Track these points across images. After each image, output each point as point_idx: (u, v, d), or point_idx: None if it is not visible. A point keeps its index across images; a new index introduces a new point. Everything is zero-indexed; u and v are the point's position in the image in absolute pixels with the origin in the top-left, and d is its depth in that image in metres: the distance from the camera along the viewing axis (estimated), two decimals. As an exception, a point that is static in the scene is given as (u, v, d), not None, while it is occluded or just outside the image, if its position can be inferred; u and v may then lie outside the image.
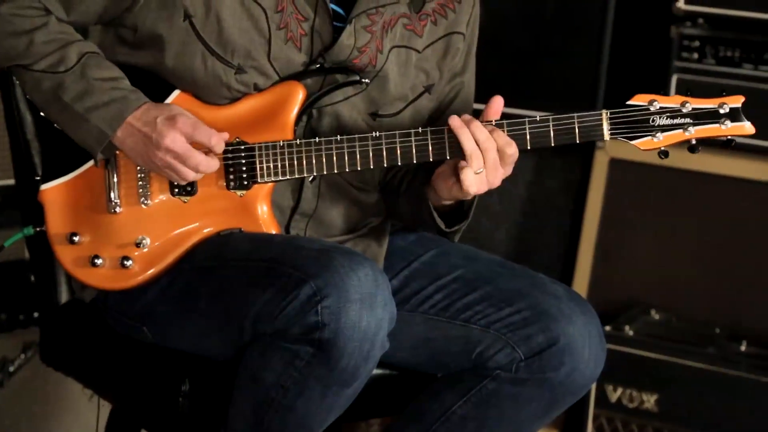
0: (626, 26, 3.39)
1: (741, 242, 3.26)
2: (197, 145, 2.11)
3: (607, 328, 3.21)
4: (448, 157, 2.14)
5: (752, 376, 3.10)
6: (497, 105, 2.14)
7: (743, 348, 3.19)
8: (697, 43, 3.29)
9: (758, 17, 3.23)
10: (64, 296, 2.39)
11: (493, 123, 2.12)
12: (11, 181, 2.45)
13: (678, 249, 3.31)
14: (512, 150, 2.11)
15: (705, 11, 3.28)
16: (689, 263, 3.30)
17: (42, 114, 2.21)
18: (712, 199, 3.29)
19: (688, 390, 3.14)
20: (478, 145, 2.10)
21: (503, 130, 2.12)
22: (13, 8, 2.14)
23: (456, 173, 2.12)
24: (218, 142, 2.12)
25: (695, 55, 3.29)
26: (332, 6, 2.18)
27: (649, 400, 3.19)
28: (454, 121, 2.11)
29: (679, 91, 2.16)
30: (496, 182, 2.13)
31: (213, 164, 2.12)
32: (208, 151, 2.12)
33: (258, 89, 2.18)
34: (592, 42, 3.35)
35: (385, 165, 2.15)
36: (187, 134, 2.10)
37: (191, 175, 2.12)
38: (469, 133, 2.10)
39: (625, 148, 3.34)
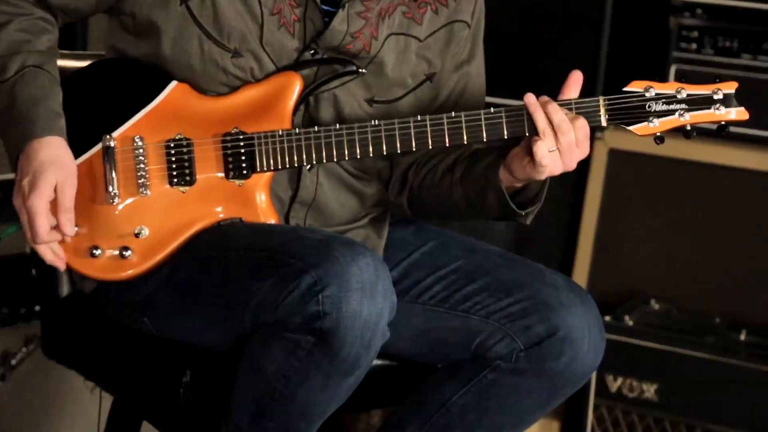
0: (625, 17, 3.39)
1: (740, 232, 3.27)
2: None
3: (607, 318, 3.21)
4: (447, 144, 2.14)
5: (752, 365, 3.11)
6: (576, 77, 2.12)
7: (743, 337, 3.19)
8: (695, 34, 3.29)
9: (756, 7, 3.24)
10: (65, 289, 2.39)
11: (572, 104, 2.11)
12: (11, 176, 2.45)
13: (677, 239, 3.31)
14: (582, 129, 2.09)
15: (703, 1, 3.28)
16: (689, 253, 3.30)
17: None
18: (712, 189, 3.29)
19: (688, 379, 3.15)
20: (552, 126, 2.08)
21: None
22: None
23: (530, 152, 2.09)
24: (68, 221, 2.07)
25: (694, 46, 3.29)
26: (327, -8, 2.19)
27: (649, 390, 3.20)
28: (529, 98, 2.09)
29: (678, 81, 2.17)
30: (572, 164, 2.12)
31: (55, 237, 2.07)
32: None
33: (254, 74, 2.18)
34: (590, 33, 3.36)
35: (384, 153, 2.15)
36: (31, 210, 2.04)
37: (30, 235, 2.07)
38: (542, 112, 2.08)
39: (624, 139, 3.37)
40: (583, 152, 2.12)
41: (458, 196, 2.24)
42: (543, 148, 2.08)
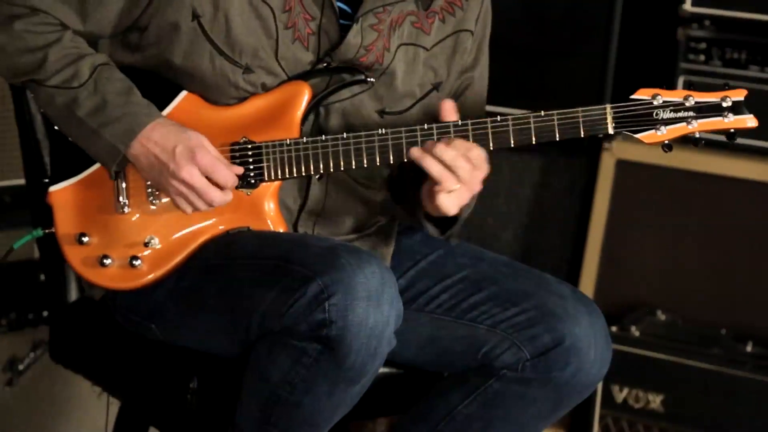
0: (633, 28, 3.40)
1: (747, 243, 3.27)
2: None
3: (613, 328, 3.21)
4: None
5: (758, 377, 3.10)
6: (448, 105, 2.13)
7: (749, 349, 3.19)
8: (703, 45, 3.30)
9: (765, 19, 3.23)
10: (73, 294, 2.40)
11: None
12: (22, 181, 2.46)
13: (684, 250, 3.31)
14: (476, 153, 2.11)
15: (712, 13, 3.28)
16: (695, 264, 3.30)
17: (56, 128, 2.22)
18: (719, 200, 3.29)
19: (694, 390, 3.15)
20: (446, 165, 2.09)
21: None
22: (28, 25, 2.14)
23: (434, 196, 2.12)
24: (234, 183, 2.13)
25: (702, 57, 3.29)
26: (339, 4, 2.19)
27: (655, 401, 3.20)
28: (414, 153, 2.11)
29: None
30: (477, 187, 2.13)
31: (228, 198, 2.13)
32: None
33: (266, 89, 2.19)
34: (599, 43, 3.36)
35: (392, 162, 2.16)
36: (206, 171, 2.10)
37: (203, 208, 2.12)
38: (431, 158, 2.10)
39: (631, 150, 3.37)
40: (483, 172, 2.13)
41: (408, 203, 2.28)
42: (444, 198, 2.10)
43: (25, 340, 3.07)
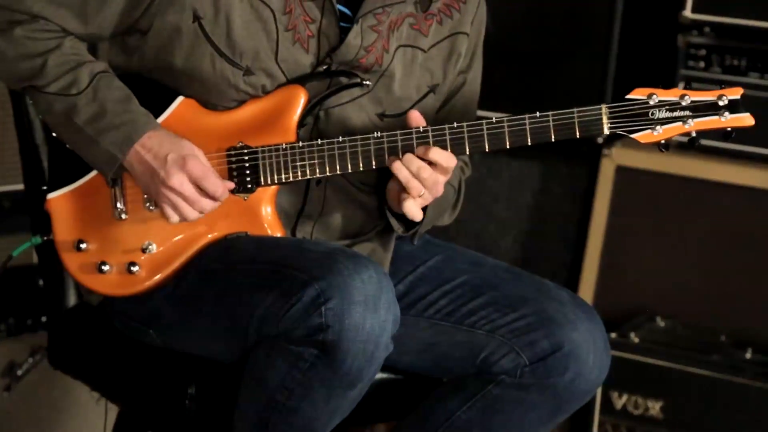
0: (633, 34, 3.40)
1: (747, 250, 3.27)
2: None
3: (613, 335, 3.21)
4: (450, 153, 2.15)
5: (757, 384, 3.10)
6: (414, 115, 2.15)
7: (748, 355, 3.19)
8: (703, 52, 3.30)
9: (765, 26, 3.24)
10: (72, 300, 2.40)
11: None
12: (21, 186, 2.46)
13: (684, 256, 3.31)
14: (453, 162, 2.13)
15: (712, 20, 3.28)
16: (695, 271, 3.30)
17: (55, 135, 2.22)
18: (718, 207, 3.29)
19: (693, 397, 3.15)
20: (413, 174, 2.12)
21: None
22: (28, 31, 2.14)
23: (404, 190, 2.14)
24: (224, 193, 2.13)
25: (702, 64, 3.30)
26: (339, 7, 2.19)
27: (654, 407, 3.19)
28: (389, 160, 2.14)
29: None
30: (441, 190, 2.16)
31: (216, 205, 2.13)
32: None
33: (266, 91, 2.19)
34: (598, 50, 3.36)
35: (387, 165, 2.16)
36: (195, 179, 2.10)
37: (194, 216, 2.12)
38: (399, 163, 2.12)
39: (631, 156, 3.38)
40: (447, 177, 2.15)
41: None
42: (411, 205, 2.13)
43: (24, 345, 3.07)
